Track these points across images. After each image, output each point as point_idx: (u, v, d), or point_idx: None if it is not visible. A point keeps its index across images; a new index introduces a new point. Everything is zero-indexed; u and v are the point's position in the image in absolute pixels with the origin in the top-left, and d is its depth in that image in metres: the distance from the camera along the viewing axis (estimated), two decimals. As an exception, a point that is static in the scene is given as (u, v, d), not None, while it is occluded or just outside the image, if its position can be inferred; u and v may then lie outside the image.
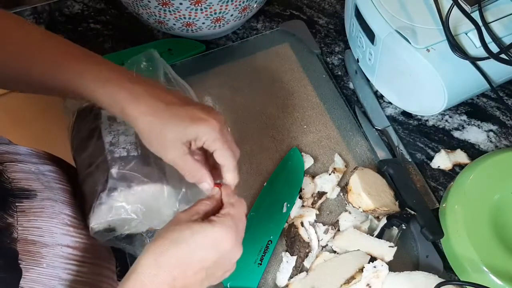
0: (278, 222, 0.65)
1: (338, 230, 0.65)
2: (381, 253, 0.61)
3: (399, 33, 0.63)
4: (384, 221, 0.63)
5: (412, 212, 0.63)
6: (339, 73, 0.80)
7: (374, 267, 0.59)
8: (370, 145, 0.72)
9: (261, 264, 0.62)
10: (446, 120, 0.74)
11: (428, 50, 0.62)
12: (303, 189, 0.68)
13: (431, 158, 0.71)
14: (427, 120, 0.75)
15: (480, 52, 0.61)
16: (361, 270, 0.60)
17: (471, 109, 0.75)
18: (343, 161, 0.70)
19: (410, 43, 0.63)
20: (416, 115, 0.75)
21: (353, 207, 0.63)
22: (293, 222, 0.65)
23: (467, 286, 0.58)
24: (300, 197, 0.67)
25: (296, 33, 0.83)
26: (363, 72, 0.77)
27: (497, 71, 0.65)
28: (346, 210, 0.66)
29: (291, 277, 0.62)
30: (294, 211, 0.66)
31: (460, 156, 0.70)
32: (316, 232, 0.64)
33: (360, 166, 0.67)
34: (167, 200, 0.57)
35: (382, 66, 0.70)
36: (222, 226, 0.45)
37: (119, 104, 0.49)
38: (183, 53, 0.82)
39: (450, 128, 0.73)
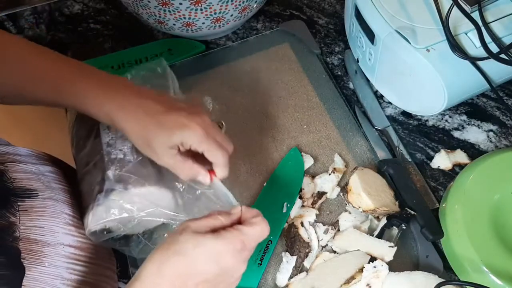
0: (278, 222, 0.65)
1: (338, 230, 0.65)
2: (381, 253, 0.61)
3: (399, 33, 0.63)
4: (384, 221, 0.63)
5: (412, 212, 0.63)
6: (339, 73, 0.80)
7: (374, 267, 0.59)
8: (370, 145, 0.72)
9: (261, 264, 0.62)
10: (446, 120, 0.74)
11: (428, 50, 0.62)
12: (303, 189, 0.68)
13: (431, 158, 0.71)
14: (427, 120, 0.75)
15: (480, 52, 0.61)
16: (361, 270, 0.60)
17: (471, 109, 0.75)
18: (343, 161, 0.70)
19: (410, 43, 0.63)
20: (416, 115, 0.75)
21: (353, 207, 0.63)
22: (293, 222, 0.65)
23: (467, 286, 0.58)
24: (300, 197, 0.67)
25: (296, 33, 0.83)
26: (363, 72, 0.77)
27: (497, 71, 0.65)
28: (346, 210, 0.66)
29: (291, 277, 0.62)
30: (294, 211, 0.66)
31: (460, 156, 0.70)
32: (316, 232, 0.64)
33: (360, 166, 0.67)
34: (164, 202, 0.57)
35: (382, 66, 0.70)
36: (225, 240, 0.45)
37: (108, 115, 0.52)
38: (183, 53, 0.82)
39: (450, 128, 0.73)
